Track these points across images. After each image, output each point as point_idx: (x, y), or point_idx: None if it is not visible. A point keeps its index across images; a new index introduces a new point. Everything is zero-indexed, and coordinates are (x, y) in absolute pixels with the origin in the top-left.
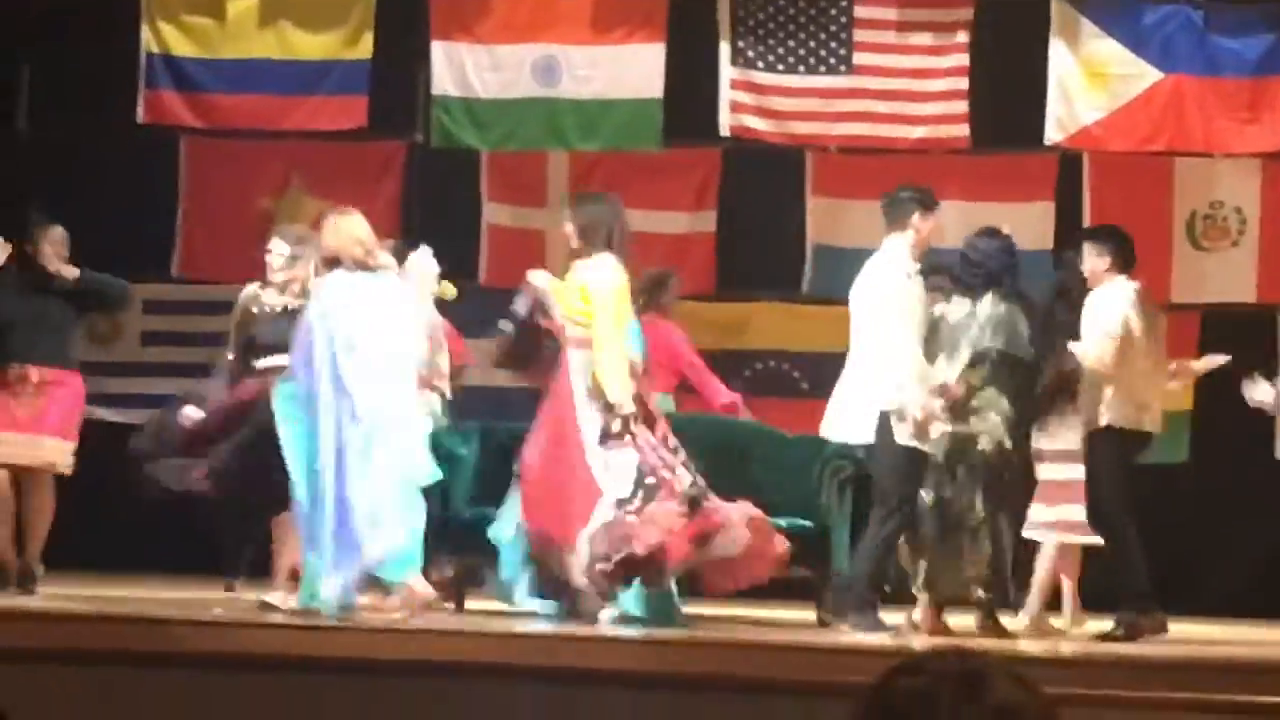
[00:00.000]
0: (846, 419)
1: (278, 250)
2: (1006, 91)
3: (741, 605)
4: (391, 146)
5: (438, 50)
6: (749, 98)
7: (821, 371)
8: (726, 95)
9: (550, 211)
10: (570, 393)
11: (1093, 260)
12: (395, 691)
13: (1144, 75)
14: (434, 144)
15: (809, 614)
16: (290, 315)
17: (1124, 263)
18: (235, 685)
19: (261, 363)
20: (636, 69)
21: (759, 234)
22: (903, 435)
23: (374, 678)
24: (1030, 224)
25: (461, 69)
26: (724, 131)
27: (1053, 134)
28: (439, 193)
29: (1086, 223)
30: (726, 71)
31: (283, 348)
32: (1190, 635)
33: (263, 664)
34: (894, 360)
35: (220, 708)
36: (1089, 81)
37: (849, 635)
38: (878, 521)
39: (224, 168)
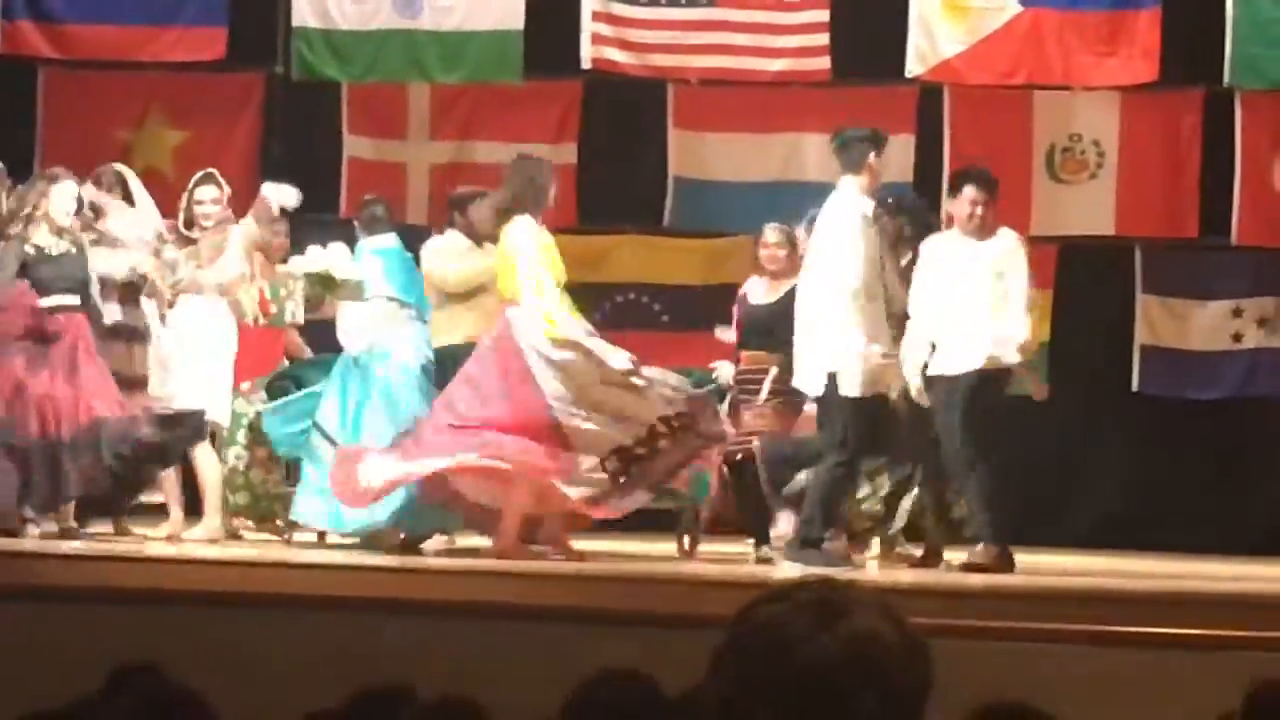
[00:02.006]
0: (804, 369)
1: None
2: (867, 24)
3: (606, 538)
4: (251, 78)
5: None
6: (610, 30)
7: (681, 304)
8: (587, 27)
9: (411, 144)
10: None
11: (984, 197)
12: (248, 623)
13: (1004, 8)
14: (294, 76)
15: (670, 546)
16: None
17: None
18: (93, 618)
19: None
20: (497, 1)
21: (620, 167)
22: (851, 388)
23: (226, 610)
24: (890, 157)
25: (322, 0)
26: (585, 64)
27: (913, 67)
28: (299, 125)
29: (946, 155)
30: (587, 3)
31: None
32: (1052, 566)
33: (120, 597)
34: (842, 313)
35: (77, 641)
36: (949, 14)
37: (764, 569)
38: (828, 468)
39: (82, 99)
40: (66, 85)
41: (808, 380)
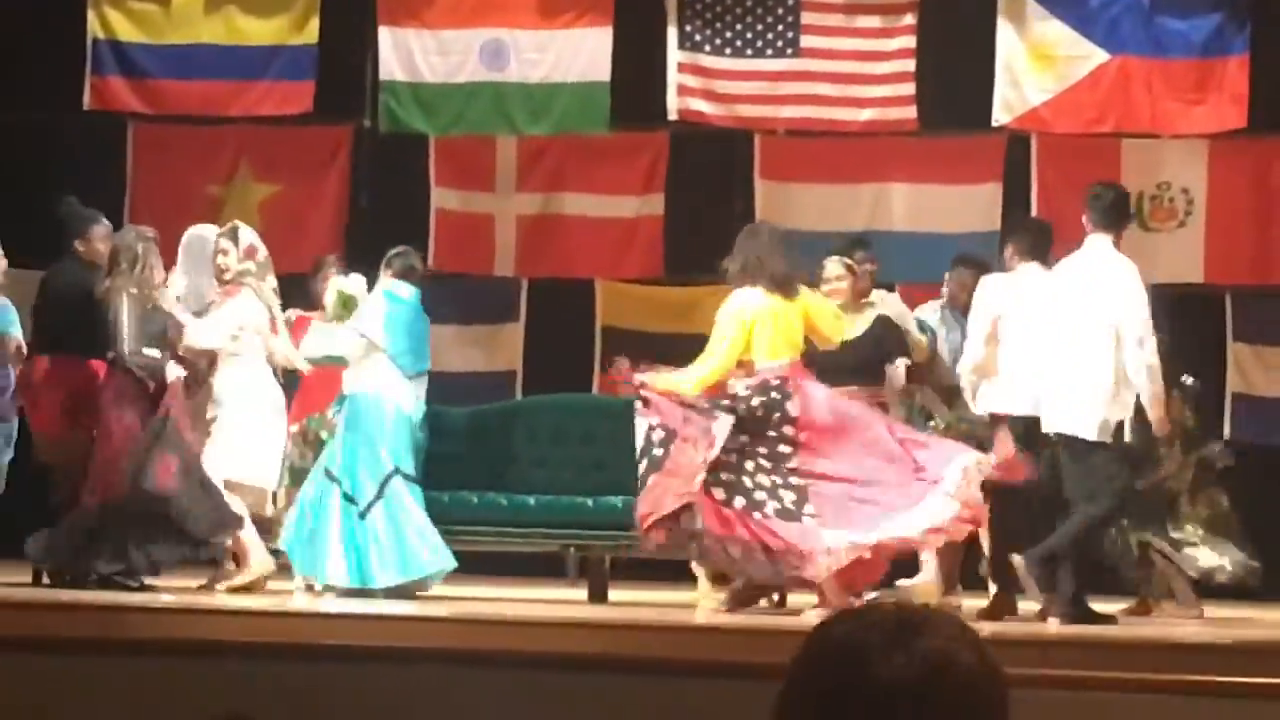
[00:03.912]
0: (1078, 414)
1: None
2: (954, 73)
3: (658, 588)
4: (339, 132)
5: (385, 35)
6: (696, 81)
7: None
8: (674, 79)
9: (498, 195)
10: None
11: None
12: (350, 675)
13: (1090, 56)
14: (382, 129)
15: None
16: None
17: None
18: (189, 671)
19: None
20: (584, 53)
21: (707, 217)
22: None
23: (318, 663)
24: (978, 206)
25: (409, 53)
26: (672, 115)
27: (1000, 116)
28: (387, 178)
29: (1034, 204)
30: (674, 55)
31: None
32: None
33: (216, 649)
34: (1139, 362)
35: (174, 694)
36: (1036, 63)
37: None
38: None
39: (171, 154)
40: (155, 140)
41: (1081, 425)
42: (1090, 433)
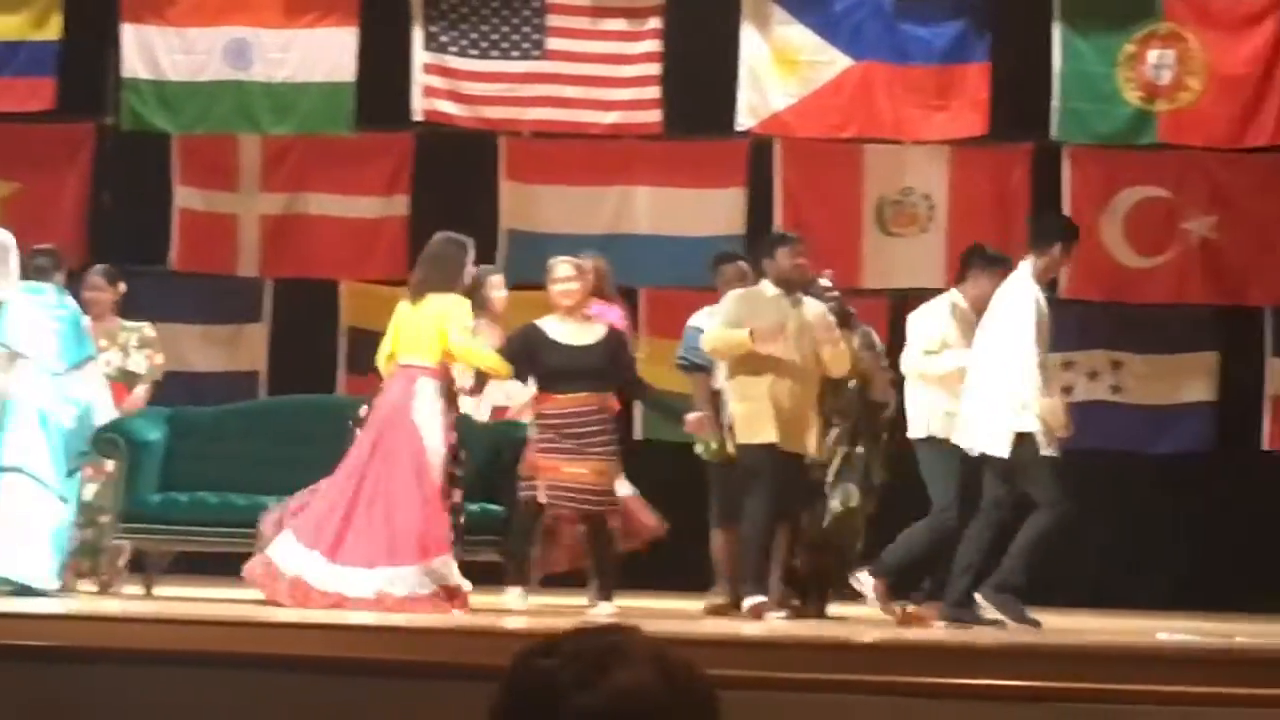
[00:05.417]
0: (984, 432)
1: None
2: (699, 77)
3: None
4: (81, 129)
5: (128, 32)
6: (442, 82)
7: None
8: (419, 80)
9: (242, 195)
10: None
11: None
12: (84, 678)
13: (834, 62)
14: (124, 126)
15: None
16: None
17: None
18: None
19: None
20: (329, 53)
21: (452, 219)
22: (1045, 447)
23: (58, 664)
24: (722, 210)
25: (151, 51)
26: (417, 116)
27: (744, 120)
28: (130, 176)
29: (777, 208)
30: (419, 56)
31: None
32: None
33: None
34: (1024, 380)
35: None
36: (780, 68)
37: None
38: (1035, 523)
39: None
40: None
41: (988, 441)
42: (999, 449)
